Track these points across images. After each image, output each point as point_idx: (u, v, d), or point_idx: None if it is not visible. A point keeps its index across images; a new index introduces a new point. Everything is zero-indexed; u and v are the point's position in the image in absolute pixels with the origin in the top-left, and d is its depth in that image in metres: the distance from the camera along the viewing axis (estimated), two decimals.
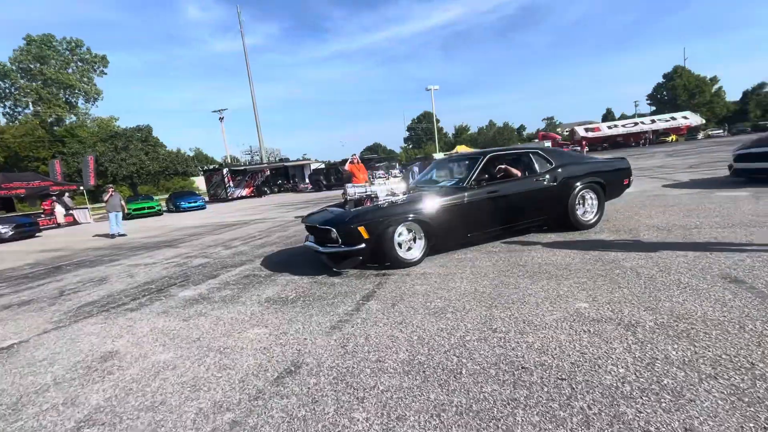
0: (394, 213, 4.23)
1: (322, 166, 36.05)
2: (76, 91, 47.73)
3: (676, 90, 65.82)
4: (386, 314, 3.03)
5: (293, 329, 2.95)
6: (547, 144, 54.76)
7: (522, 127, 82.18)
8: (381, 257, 4.31)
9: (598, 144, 52.18)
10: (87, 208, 22.43)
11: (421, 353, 2.34)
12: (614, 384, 1.84)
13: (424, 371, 2.13)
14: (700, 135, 51.54)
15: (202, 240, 9.09)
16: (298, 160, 38.95)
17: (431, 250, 4.54)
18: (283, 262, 5.49)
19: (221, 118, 47.03)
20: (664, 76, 69.07)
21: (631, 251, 3.98)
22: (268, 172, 33.92)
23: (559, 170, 5.15)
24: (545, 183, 5.00)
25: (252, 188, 31.95)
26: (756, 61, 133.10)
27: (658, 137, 51.58)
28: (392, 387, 2.02)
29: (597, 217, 5.44)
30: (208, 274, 5.23)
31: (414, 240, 4.44)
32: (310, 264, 5.09)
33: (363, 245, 4.08)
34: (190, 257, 6.84)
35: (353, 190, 4.72)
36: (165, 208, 23.84)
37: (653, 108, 70.27)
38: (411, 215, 4.26)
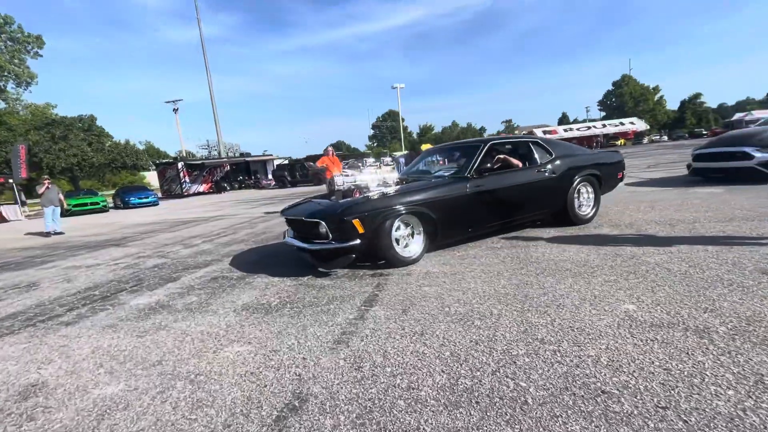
0: (391, 204, 3.70)
1: (286, 162, 34.73)
2: (6, 74, 42.73)
3: (624, 97, 70.26)
4: (400, 323, 2.50)
5: (286, 345, 2.35)
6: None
7: (483, 129, 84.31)
8: (376, 255, 3.77)
9: None
10: (18, 203, 19.90)
11: (464, 375, 1.84)
12: (734, 413, 1.43)
13: (476, 402, 1.63)
14: (645, 140, 55.26)
15: (157, 238, 8.07)
16: (260, 155, 37.22)
17: (428, 247, 4.06)
18: (257, 261, 4.79)
19: (176, 110, 44.13)
20: (613, 83, 73.52)
21: (646, 246, 3.72)
22: (227, 167, 32.12)
23: (559, 162, 4.85)
24: (546, 175, 4.68)
25: (210, 184, 30.10)
26: (692, 73, 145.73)
27: (608, 141, 54.71)
28: (443, 428, 1.50)
29: (594, 211, 5.23)
30: (166, 277, 4.43)
31: (412, 235, 3.94)
32: (290, 264, 4.44)
33: (357, 241, 3.51)
34: (142, 257, 5.92)
35: (342, 179, 4.14)
36: (111, 205, 21.78)
37: (603, 113, 74.66)
38: (410, 207, 3.75)
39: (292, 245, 4.12)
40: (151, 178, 48.28)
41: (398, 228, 3.80)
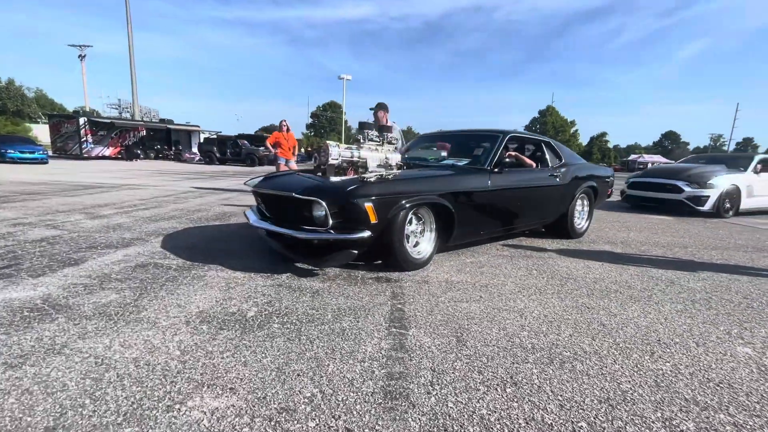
0: (412, 191, 2.85)
1: (215, 136, 31.37)
2: None
3: (547, 125, 77.36)
4: (466, 361, 1.69)
5: (301, 398, 1.38)
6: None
7: (417, 134, 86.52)
8: (381, 252, 2.90)
9: None
10: None
11: None
12: None
13: None
14: None
15: (46, 202, 6.11)
16: (185, 124, 33.08)
17: (438, 249, 3.30)
18: (200, 246, 3.57)
19: (82, 56, 37.44)
20: (540, 112, 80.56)
21: (671, 269, 3.40)
22: (143, 132, 27.92)
23: (568, 168, 4.45)
24: (558, 180, 4.22)
25: (119, 148, 25.84)
26: (601, 115, 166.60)
27: None
28: None
29: (587, 224, 4.94)
30: (61, 258, 3.03)
31: (422, 232, 3.14)
32: (250, 253, 3.34)
33: (367, 233, 2.61)
34: (22, 225, 4.23)
35: (337, 151, 3.16)
36: None
37: None
38: (430, 197, 2.94)
39: (260, 229, 3.05)
40: (40, 132, 40.42)
41: (410, 221, 2.98)
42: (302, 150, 41.35)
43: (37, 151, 17.61)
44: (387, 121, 5.48)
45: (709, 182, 7.41)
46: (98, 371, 1.49)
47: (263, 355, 1.66)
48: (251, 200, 7.52)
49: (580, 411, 1.37)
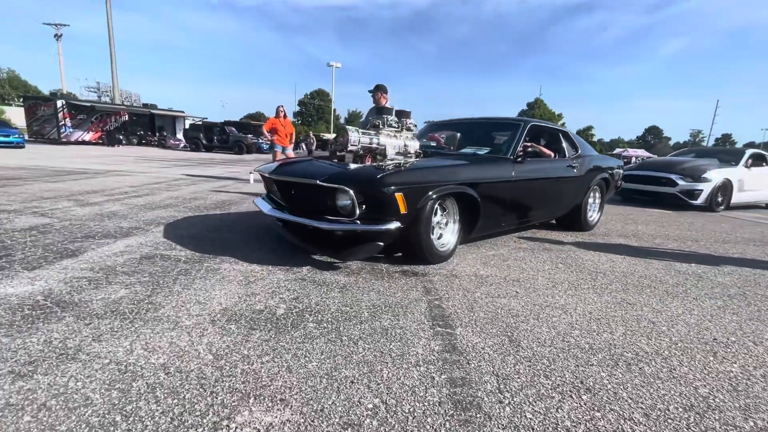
0: (438, 180, 2.69)
1: (200, 122, 30.48)
2: None
3: (534, 118, 77.94)
4: (527, 364, 1.55)
5: (364, 411, 1.23)
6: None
7: None
8: (408, 245, 2.74)
9: None
10: None
11: None
12: None
13: None
14: None
15: (28, 188, 5.73)
16: (169, 109, 31.99)
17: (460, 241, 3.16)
18: (206, 236, 3.34)
19: (58, 36, 35.68)
20: (528, 104, 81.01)
21: (693, 263, 3.35)
22: (125, 117, 26.88)
23: (584, 159, 4.36)
24: (575, 171, 4.12)
25: (100, 133, 24.81)
26: (588, 110, 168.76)
27: None
28: None
29: (598, 217, 4.89)
30: (56, 249, 2.77)
31: (446, 224, 2.99)
32: (262, 244, 3.14)
33: (397, 224, 2.44)
34: (6, 212, 3.92)
35: (357, 137, 2.97)
36: None
37: None
38: (457, 186, 2.79)
39: (273, 218, 2.84)
40: (14, 115, 38.57)
41: (435, 212, 2.82)
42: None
43: (12, 134, 16.71)
44: (386, 104, 5.29)
45: (703, 176, 7.46)
46: (124, 380, 1.30)
47: (307, 359, 1.50)
48: (248, 189, 7.26)
49: (668, 420, 1.25)
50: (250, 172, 8.40)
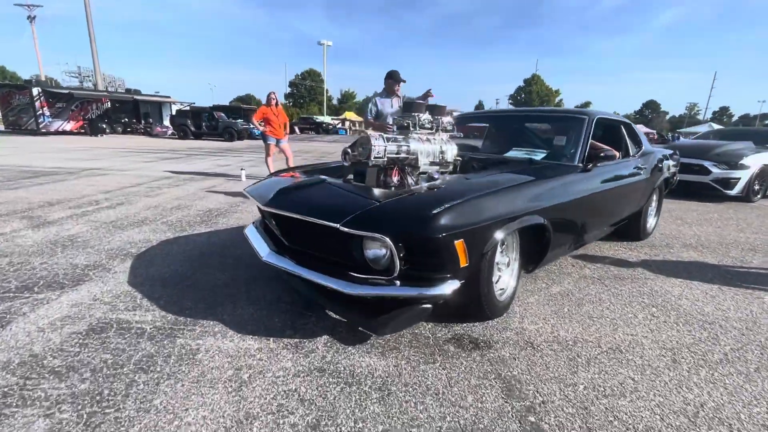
0: (507, 212, 1.88)
1: (188, 107, 29.08)
2: None
3: (532, 95, 76.20)
4: None
5: None
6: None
7: None
8: (465, 304, 1.96)
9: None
10: None
11: None
12: None
13: None
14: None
15: None
16: (154, 94, 30.43)
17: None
18: (185, 277, 2.56)
19: (31, 18, 33.57)
20: (525, 81, 79.12)
21: None
22: (107, 104, 25.44)
23: (646, 157, 3.58)
24: (642, 174, 3.35)
25: (81, 122, 23.47)
26: (585, 84, 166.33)
27: None
28: None
29: (656, 222, 4.15)
30: None
31: (507, 264, 2.22)
32: (255, 282, 2.37)
33: (455, 283, 1.67)
34: None
35: (382, 146, 2.15)
36: None
37: (513, 107, 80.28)
38: (531, 217, 2.01)
39: (284, 272, 2.02)
40: None
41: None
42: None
43: None
44: (399, 94, 4.46)
45: (740, 162, 6.68)
46: None
47: None
48: (240, 188, 6.34)
49: None
50: (242, 169, 7.53)
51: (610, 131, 3.34)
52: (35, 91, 21.23)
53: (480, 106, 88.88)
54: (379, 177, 2.43)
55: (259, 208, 2.26)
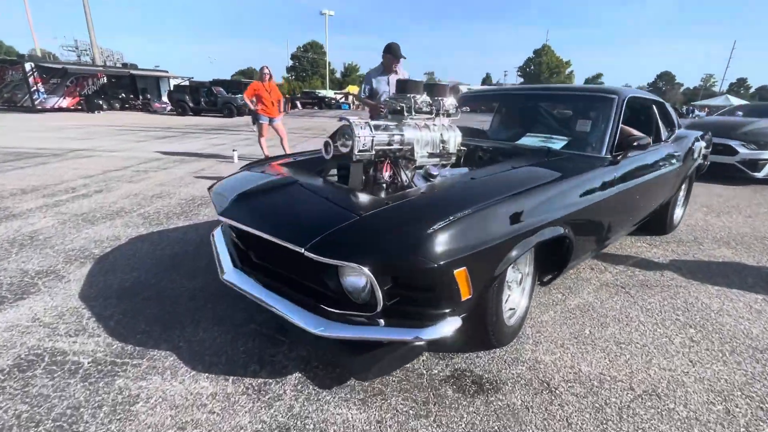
0: (523, 227, 1.48)
1: (186, 82, 28.29)
2: None
3: (542, 66, 73.41)
4: None
5: None
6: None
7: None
8: (471, 335, 1.60)
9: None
10: None
11: None
12: None
13: None
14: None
15: None
16: (151, 69, 29.56)
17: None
18: (146, 287, 2.23)
19: None
20: (535, 51, 76.09)
21: None
22: (104, 79, 24.76)
23: (680, 141, 3.14)
24: (675, 162, 2.91)
25: (78, 98, 22.91)
26: (596, 55, 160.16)
27: None
28: None
29: (683, 212, 3.74)
30: None
31: (519, 280, 1.85)
32: (223, 296, 2.03)
33: (455, 320, 1.30)
34: None
35: (367, 136, 1.76)
36: None
37: (521, 80, 77.67)
38: (551, 229, 1.62)
39: (252, 299, 1.66)
40: None
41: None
42: (285, 96, 38.21)
43: None
44: (398, 71, 3.99)
45: None
46: None
47: None
48: (232, 171, 5.91)
49: None
50: (234, 150, 7.12)
51: (641, 112, 2.87)
52: (28, 66, 20.60)
53: (488, 78, 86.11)
54: (367, 174, 2.05)
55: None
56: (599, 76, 79.69)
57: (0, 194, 4.26)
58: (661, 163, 2.69)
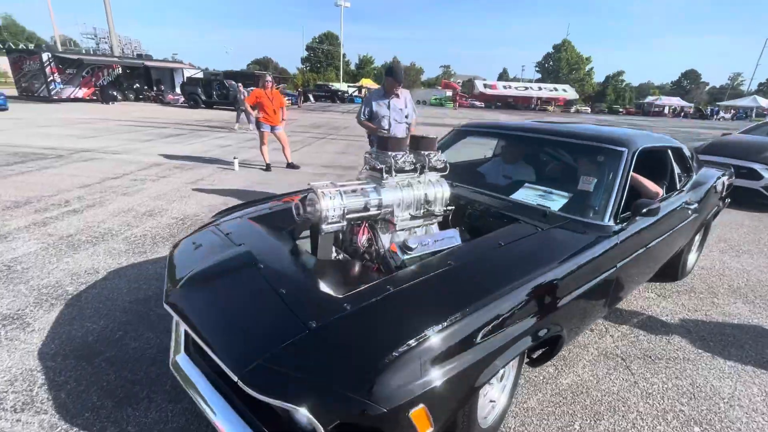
0: (495, 345, 1.28)
1: (200, 74, 28.32)
2: None
3: (561, 62, 71.51)
4: None
5: None
6: (448, 94, 54.06)
7: (420, 70, 79.52)
8: None
9: (492, 102, 53.95)
10: None
11: None
12: None
13: None
14: (573, 109, 57.18)
15: None
16: (165, 60, 29.69)
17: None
18: (116, 338, 2.11)
19: None
20: (554, 47, 74.09)
21: None
22: (118, 70, 24.97)
23: (698, 188, 2.87)
24: (690, 212, 2.65)
25: (93, 89, 23.18)
26: (618, 51, 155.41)
27: (541, 105, 55.95)
28: None
29: (697, 257, 3.48)
30: None
31: (499, 378, 1.66)
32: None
33: None
34: None
35: (331, 207, 1.59)
36: None
37: (539, 75, 75.90)
38: (535, 328, 1.43)
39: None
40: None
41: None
42: (297, 90, 38.00)
43: None
44: (399, 95, 3.77)
45: None
46: None
47: None
48: (229, 181, 5.83)
49: None
50: (234, 157, 7.00)
51: (654, 160, 2.62)
52: (45, 56, 20.85)
53: (504, 73, 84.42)
54: (338, 242, 1.88)
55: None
56: (621, 73, 77.32)
57: None
58: (674, 218, 2.44)
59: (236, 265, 1.54)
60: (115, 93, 23.57)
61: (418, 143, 1.99)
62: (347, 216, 1.70)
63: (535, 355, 1.79)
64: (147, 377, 1.89)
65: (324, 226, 1.63)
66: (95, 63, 23.48)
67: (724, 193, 3.48)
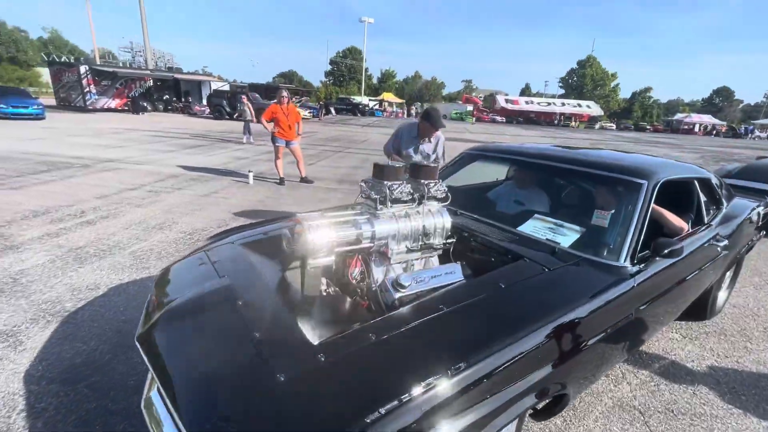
0: (496, 406, 1.16)
1: (227, 87, 29.21)
2: None
3: (585, 78, 70.45)
4: None
5: None
6: (469, 108, 53.79)
7: (442, 84, 79.78)
8: None
9: (513, 117, 53.38)
10: None
11: None
12: None
13: None
14: (597, 125, 55.80)
15: None
16: (195, 72, 30.81)
17: None
18: (103, 362, 2.06)
19: None
20: (578, 63, 73.17)
21: None
22: (150, 82, 26.04)
23: (729, 222, 2.64)
24: (719, 248, 2.43)
25: (126, 100, 24.22)
26: (646, 67, 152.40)
27: (564, 121, 54.96)
28: None
29: (727, 295, 3.20)
30: None
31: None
32: None
33: None
34: None
35: (321, 239, 1.48)
36: None
37: (563, 91, 74.91)
38: (541, 386, 1.28)
39: None
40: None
41: None
42: (319, 103, 38.69)
43: (31, 105, 16.16)
44: (431, 141, 3.54)
45: None
46: None
47: None
48: (242, 195, 5.87)
49: None
50: (249, 171, 7.06)
51: (679, 192, 2.42)
52: (83, 69, 21.97)
53: (527, 88, 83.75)
54: (329, 274, 1.78)
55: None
56: (648, 90, 75.55)
57: (12, 218, 4.33)
58: (701, 255, 2.23)
59: (215, 300, 1.45)
60: (145, 104, 24.57)
61: (417, 172, 1.89)
62: (336, 249, 1.60)
63: (539, 407, 1.62)
64: (127, 408, 1.81)
65: (310, 261, 1.53)
66: (128, 75, 24.58)
67: (759, 224, 3.21)
